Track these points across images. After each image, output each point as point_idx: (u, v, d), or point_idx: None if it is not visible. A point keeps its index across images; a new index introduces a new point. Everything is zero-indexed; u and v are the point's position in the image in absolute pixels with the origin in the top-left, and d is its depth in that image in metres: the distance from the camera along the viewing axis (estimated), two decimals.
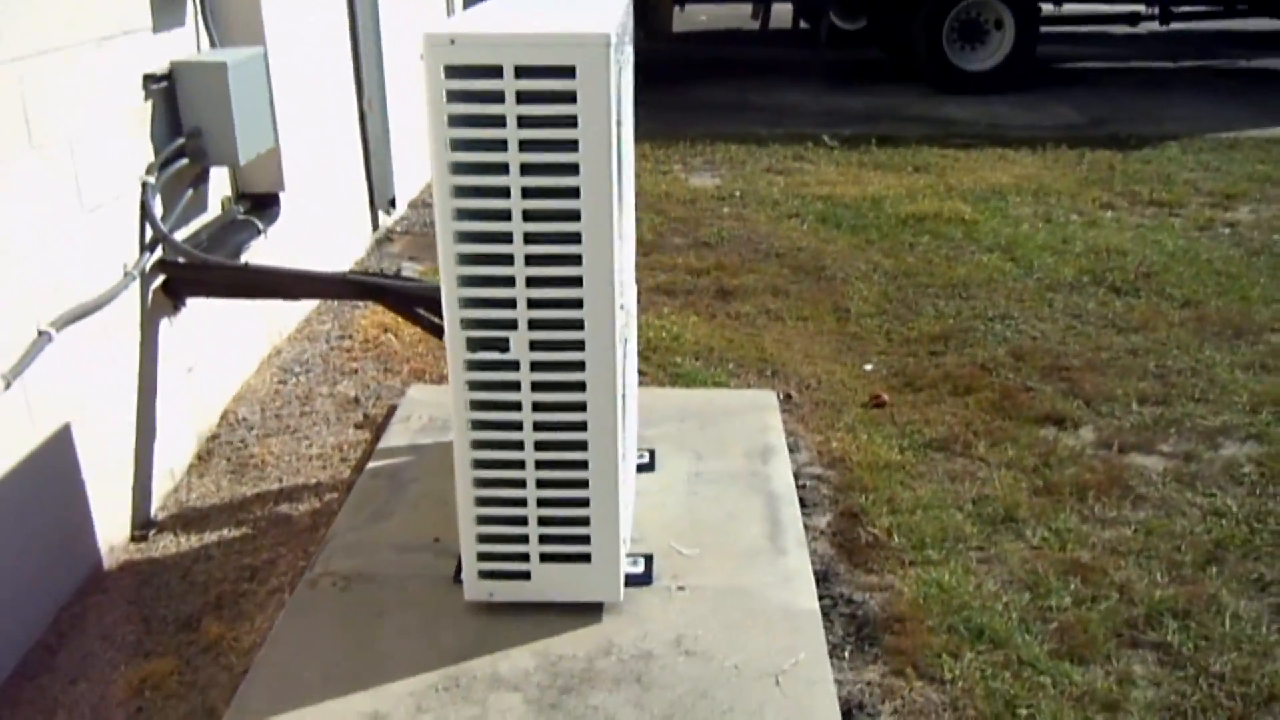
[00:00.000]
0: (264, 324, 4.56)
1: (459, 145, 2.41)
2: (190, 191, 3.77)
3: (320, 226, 5.12)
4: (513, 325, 2.55)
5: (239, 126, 3.71)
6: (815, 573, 3.19)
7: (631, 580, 2.93)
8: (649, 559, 3.02)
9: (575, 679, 2.60)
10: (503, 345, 2.57)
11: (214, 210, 4.10)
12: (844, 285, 5.55)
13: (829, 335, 4.96)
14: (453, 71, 2.35)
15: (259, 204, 4.36)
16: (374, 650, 2.70)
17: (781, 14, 12.02)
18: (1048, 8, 10.62)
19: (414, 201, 6.97)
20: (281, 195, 4.41)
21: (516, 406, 2.62)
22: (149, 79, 3.56)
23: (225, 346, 4.17)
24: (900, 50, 10.86)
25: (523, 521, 2.72)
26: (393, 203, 6.20)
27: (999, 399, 4.29)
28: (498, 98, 2.37)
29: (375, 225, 6.17)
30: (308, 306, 5.04)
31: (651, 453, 3.59)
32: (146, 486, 3.57)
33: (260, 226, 4.23)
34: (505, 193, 2.44)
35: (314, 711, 2.49)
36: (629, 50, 2.91)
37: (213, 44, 4.01)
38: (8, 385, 2.80)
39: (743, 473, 3.52)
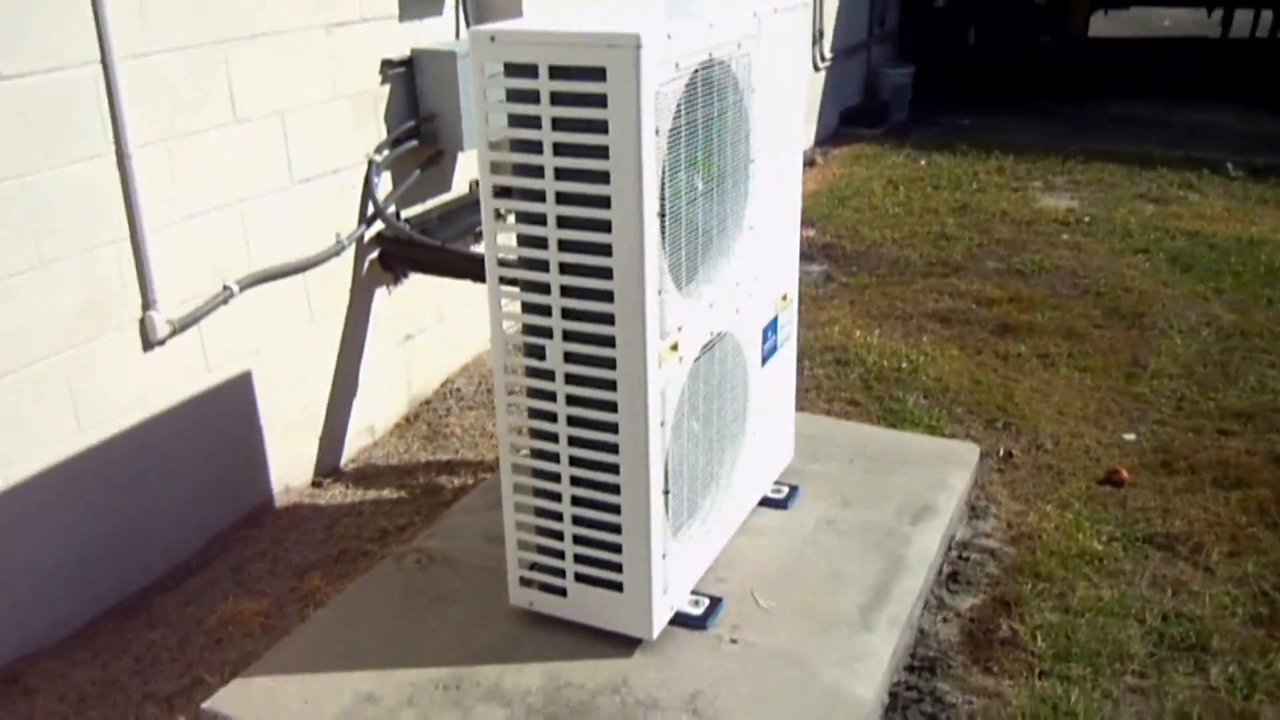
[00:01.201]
0: None
1: (498, 145, 2.36)
2: (419, 172, 4.01)
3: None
4: (549, 334, 2.46)
5: (465, 114, 3.89)
6: (921, 660, 2.82)
7: (683, 620, 2.74)
8: (715, 602, 2.80)
9: (568, 710, 2.48)
10: (539, 353, 2.49)
11: (458, 191, 4.33)
12: (1158, 338, 4.78)
13: (1105, 392, 4.29)
14: (494, 69, 2.30)
15: None
16: (412, 634, 2.74)
17: (1242, 22, 10.55)
18: None
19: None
20: None
21: (553, 418, 2.53)
22: (387, 64, 3.82)
23: (454, 320, 4.40)
24: None
25: (559, 536, 2.63)
26: None
27: (1274, 501, 3.50)
28: (534, 98, 2.28)
29: None
30: None
31: (793, 489, 3.32)
32: (339, 439, 3.87)
33: None
34: (541, 196, 2.35)
35: (319, 680, 2.58)
36: (760, 48, 2.68)
37: None
38: (174, 331, 3.15)
39: (881, 530, 3.15)
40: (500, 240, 2.45)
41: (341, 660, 2.65)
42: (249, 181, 3.36)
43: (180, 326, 3.17)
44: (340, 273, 3.78)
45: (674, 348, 2.49)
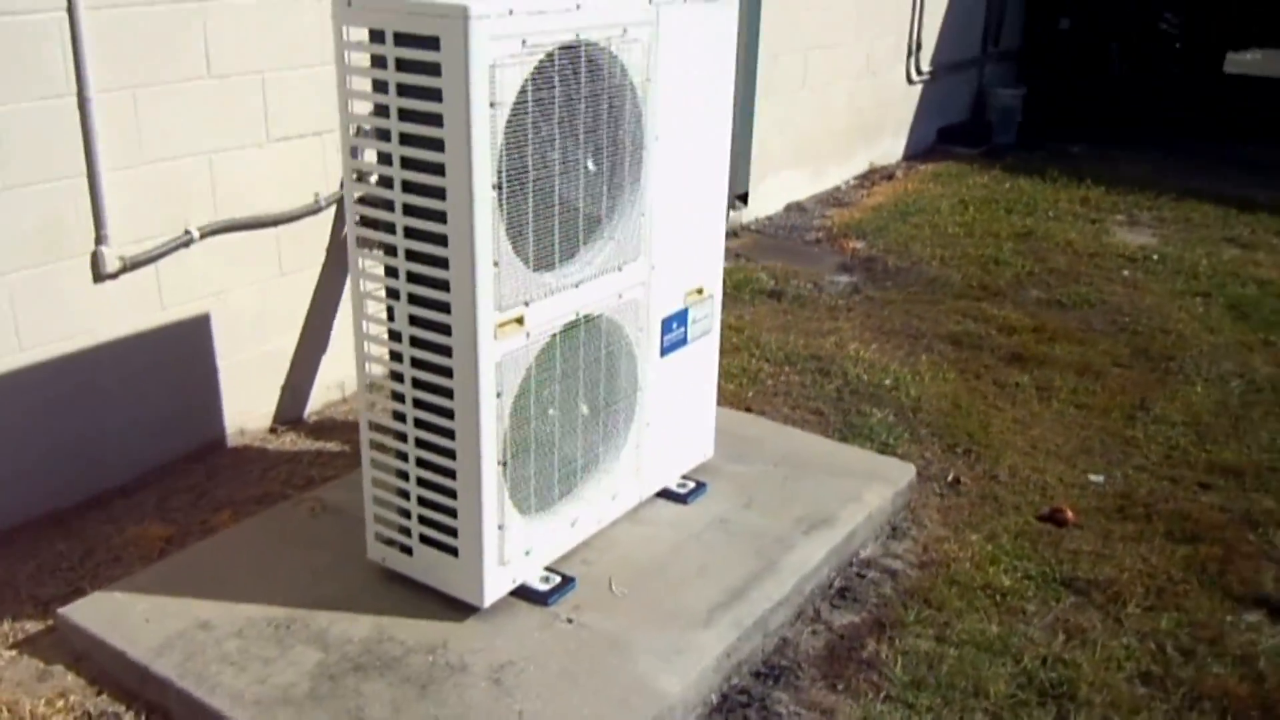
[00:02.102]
0: None
1: (355, 108, 2.44)
2: None
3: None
4: (396, 295, 2.53)
5: None
6: (771, 668, 2.77)
7: (527, 594, 2.77)
8: (567, 581, 2.82)
9: (379, 663, 2.54)
10: (390, 314, 2.56)
11: None
12: (1179, 383, 4.52)
13: (1093, 431, 4.09)
14: (356, 35, 2.38)
15: None
16: (271, 574, 2.85)
17: None
18: None
19: (793, 205, 6.85)
20: None
21: (400, 379, 2.60)
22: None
23: None
24: None
25: (405, 495, 2.70)
26: (743, 198, 6.17)
27: (1220, 560, 3.28)
28: (383, 63, 2.35)
29: None
30: None
31: (699, 486, 3.30)
32: (303, 391, 4.04)
33: None
34: (390, 160, 2.42)
35: (170, 603, 2.72)
36: (660, 35, 2.68)
37: None
38: (125, 268, 3.35)
39: (770, 536, 3.10)
40: (357, 192, 2.53)
41: (198, 588, 2.78)
42: (221, 135, 3.54)
43: (132, 264, 3.37)
44: (317, 231, 3.93)
45: (519, 321, 2.52)
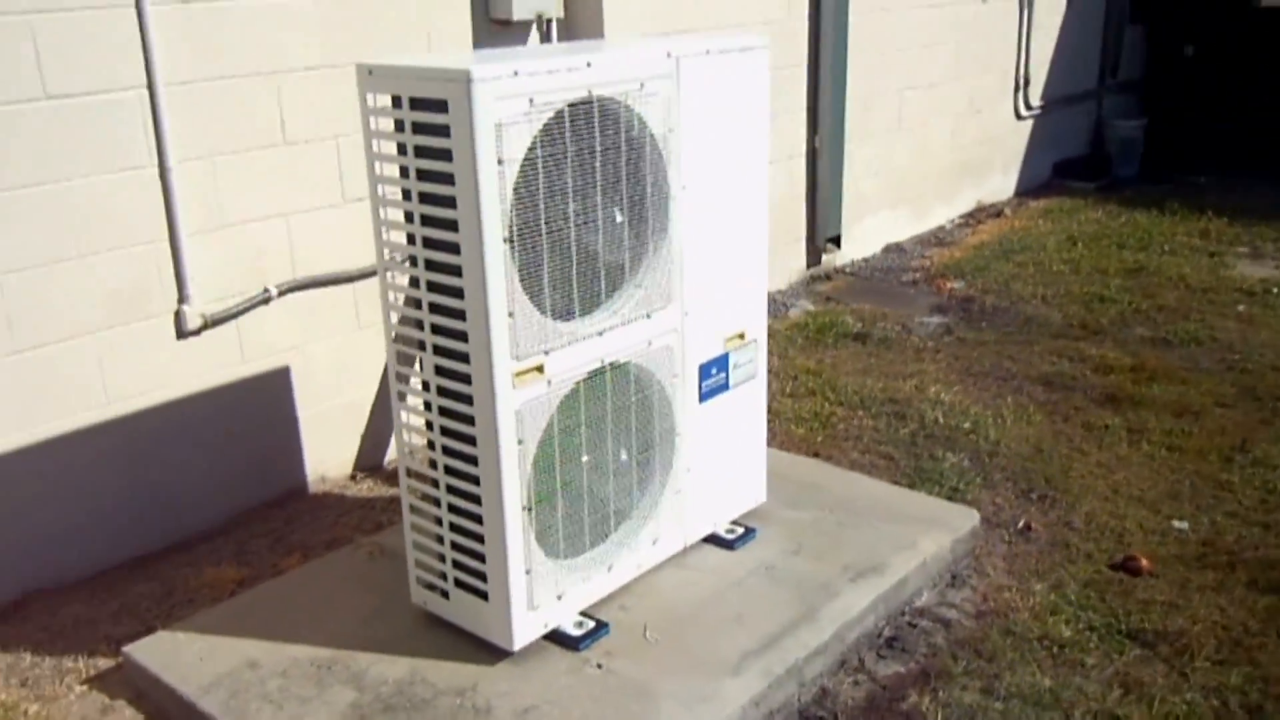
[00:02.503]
0: None
1: (380, 170, 2.56)
2: None
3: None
4: (421, 346, 2.63)
5: None
6: (801, 718, 2.72)
7: (560, 639, 2.81)
8: (600, 627, 2.84)
9: (408, 703, 2.62)
10: (414, 364, 2.67)
11: None
12: None
13: (1185, 475, 3.90)
14: (380, 101, 2.51)
15: None
16: (323, 615, 2.97)
17: None
18: None
19: (891, 246, 6.76)
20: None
21: (430, 427, 2.69)
22: None
23: None
24: None
25: (440, 540, 2.78)
26: (836, 241, 6.13)
27: None
28: (402, 127, 2.47)
29: (813, 261, 6.16)
30: None
31: (749, 532, 3.28)
32: (382, 438, 4.19)
33: None
34: (411, 218, 2.53)
35: (223, 643, 2.86)
36: (681, 87, 2.74)
37: None
38: (206, 325, 3.57)
39: (815, 583, 3.06)
40: (386, 246, 2.65)
41: (252, 629, 2.92)
42: (297, 197, 3.74)
43: (213, 321, 3.58)
44: None
45: (539, 369, 2.59)
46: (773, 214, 5.72)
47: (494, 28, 4.21)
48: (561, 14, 4.36)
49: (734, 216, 3.05)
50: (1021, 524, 3.59)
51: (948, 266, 6.32)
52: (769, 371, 4.67)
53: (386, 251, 2.64)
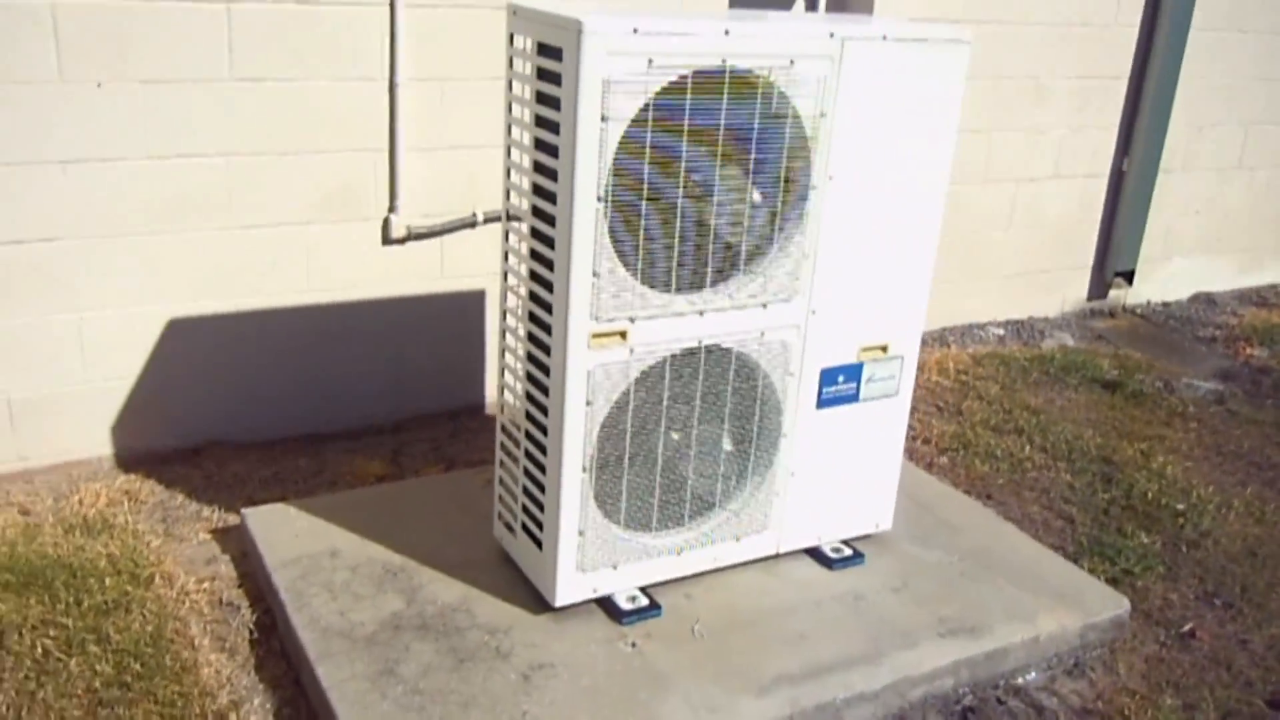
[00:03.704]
0: None
1: (512, 111, 2.60)
2: None
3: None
4: (517, 292, 2.66)
5: None
6: None
7: (608, 607, 2.78)
8: (653, 607, 2.78)
9: (440, 626, 2.69)
10: (515, 308, 2.70)
11: None
12: None
13: None
14: (511, 40, 2.54)
15: None
16: (417, 526, 3.10)
17: None
18: None
19: (1201, 295, 5.99)
20: None
21: (515, 373, 2.73)
22: None
23: None
24: None
25: (515, 480, 2.82)
26: (1128, 277, 5.52)
27: None
28: (529, 70, 2.48)
29: (1096, 293, 5.59)
30: None
31: (856, 555, 3.08)
32: None
33: None
34: (525, 164, 2.55)
35: (321, 526, 3.06)
36: (843, 71, 2.56)
37: None
38: (409, 236, 3.79)
39: (901, 627, 2.83)
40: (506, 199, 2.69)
41: (353, 520, 3.11)
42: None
43: (417, 234, 3.80)
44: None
45: (621, 335, 2.54)
46: (1052, 233, 5.26)
47: None
48: None
49: (893, 221, 2.82)
50: (1187, 629, 3.12)
51: (1257, 330, 5.52)
52: (981, 399, 4.34)
53: (509, 194, 2.68)
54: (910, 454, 3.96)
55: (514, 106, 2.62)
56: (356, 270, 3.77)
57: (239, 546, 3.12)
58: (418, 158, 3.74)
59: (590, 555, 2.71)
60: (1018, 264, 5.29)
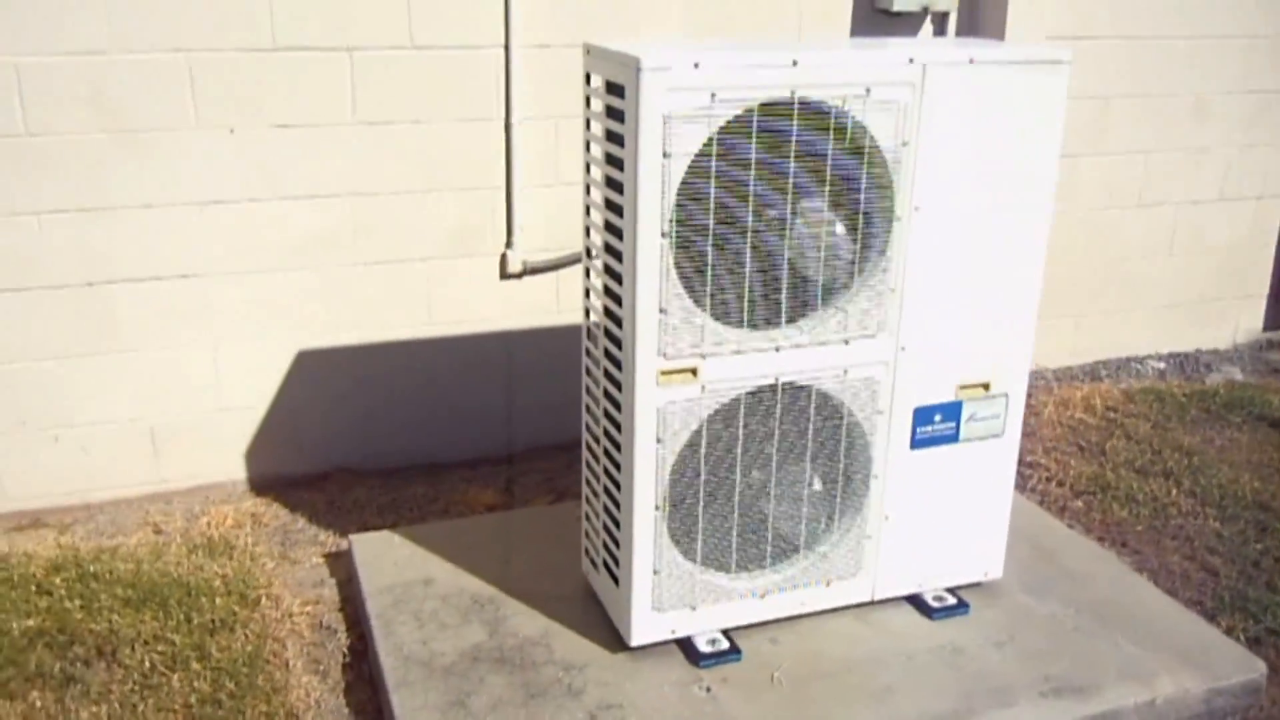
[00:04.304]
0: None
1: (590, 149, 2.61)
2: None
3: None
4: (598, 329, 2.66)
5: None
6: None
7: (686, 649, 2.73)
8: (732, 651, 2.71)
9: (518, 659, 2.70)
10: (593, 345, 2.70)
11: None
12: None
13: None
14: (587, 79, 2.55)
15: None
16: (513, 558, 3.14)
17: None
18: None
19: None
20: None
21: (596, 409, 2.73)
22: None
23: None
24: None
25: (598, 517, 2.81)
26: None
27: None
28: (598, 108, 2.49)
29: (1274, 325, 5.15)
30: None
31: (960, 605, 2.91)
32: None
33: None
34: (600, 201, 2.56)
35: (421, 555, 3.13)
36: (925, 99, 2.46)
37: None
38: (525, 271, 3.86)
39: (995, 684, 2.66)
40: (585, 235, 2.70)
41: (453, 549, 3.17)
42: None
43: (532, 269, 3.87)
44: None
45: (692, 372, 2.51)
46: (1219, 259, 4.89)
47: (877, 17, 4.01)
48: (952, 8, 4.02)
49: (991, 254, 2.68)
50: None
51: None
52: (1129, 438, 4.07)
53: (588, 231, 2.69)
54: (1043, 497, 3.75)
55: (591, 144, 2.63)
56: (475, 305, 3.87)
57: (345, 572, 3.23)
58: (533, 194, 3.81)
59: (666, 594, 2.67)
60: (1180, 293, 4.93)
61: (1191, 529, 3.55)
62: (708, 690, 2.63)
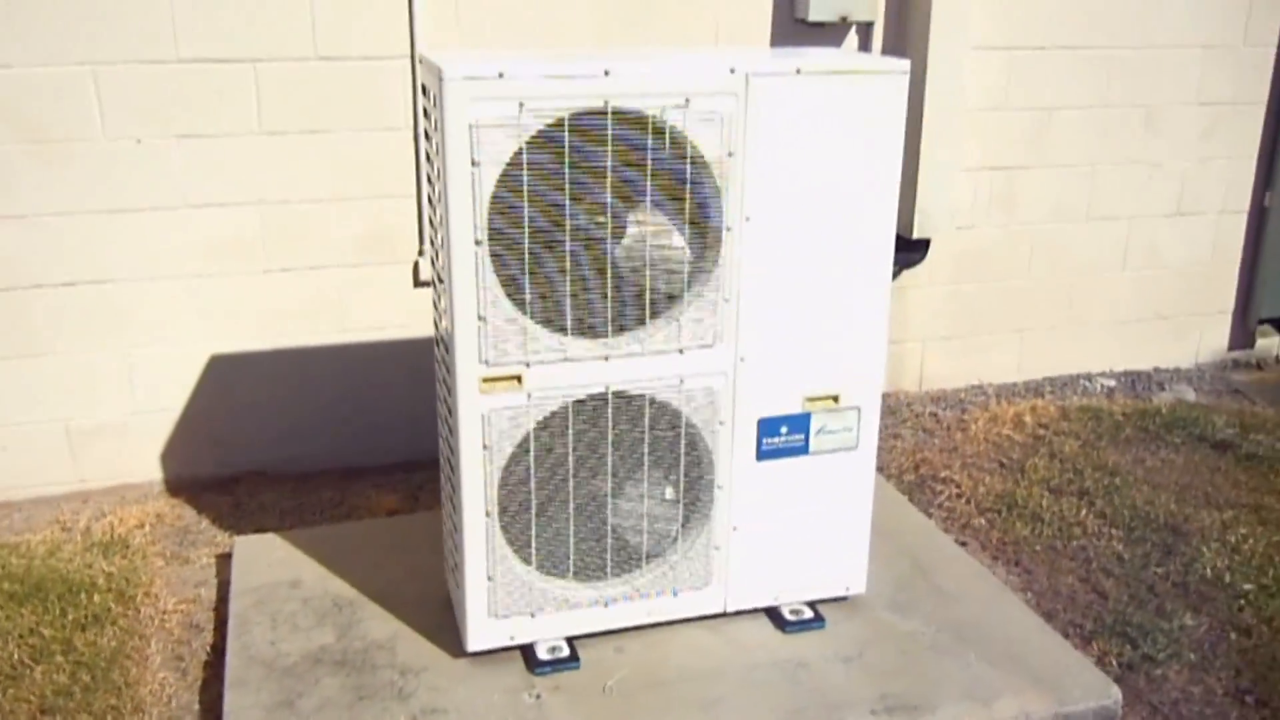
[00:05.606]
0: None
1: (422, 161, 2.64)
2: None
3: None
4: (438, 338, 2.68)
5: None
6: None
7: (527, 655, 2.74)
8: (571, 660, 2.71)
9: (358, 662, 2.73)
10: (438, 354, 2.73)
11: None
12: None
13: None
14: (423, 90, 2.59)
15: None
16: (387, 563, 3.17)
17: None
18: None
19: None
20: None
21: (439, 416, 2.75)
22: None
23: None
24: None
25: (448, 522, 2.83)
26: (1277, 325, 4.91)
27: None
28: (426, 116, 2.53)
29: (1239, 343, 5.01)
30: None
31: (815, 619, 2.89)
32: None
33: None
34: (426, 210, 2.59)
35: (297, 559, 3.18)
36: (749, 109, 2.45)
37: None
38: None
39: (831, 700, 2.63)
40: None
41: (330, 552, 3.22)
42: None
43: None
44: None
45: (517, 380, 2.52)
46: (1177, 276, 4.78)
47: (798, 28, 3.99)
48: (873, 18, 3.99)
49: (832, 265, 2.65)
50: None
51: None
52: (1053, 457, 3.99)
53: (429, 240, 2.72)
54: (948, 513, 3.69)
55: (423, 155, 2.66)
56: (388, 312, 3.92)
57: (228, 572, 3.29)
58: None
59: (503, 601, 2.68)
60: (1134, 310, 4.82)
61: (1093, 550, 3.47)
62: (537, 697, 2.63)
